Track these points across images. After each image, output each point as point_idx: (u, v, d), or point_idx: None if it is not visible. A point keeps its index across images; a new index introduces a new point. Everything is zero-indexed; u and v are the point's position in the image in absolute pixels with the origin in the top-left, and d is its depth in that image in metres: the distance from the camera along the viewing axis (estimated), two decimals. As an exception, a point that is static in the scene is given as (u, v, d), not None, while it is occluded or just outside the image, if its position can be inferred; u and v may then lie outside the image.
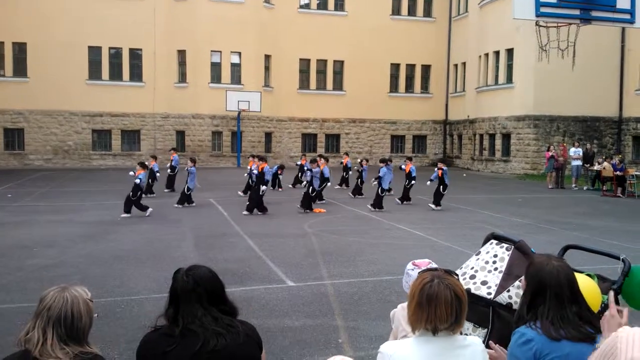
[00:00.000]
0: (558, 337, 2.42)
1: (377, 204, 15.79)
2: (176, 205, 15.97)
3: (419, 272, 2.39)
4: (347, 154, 24.28)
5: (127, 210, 14.21)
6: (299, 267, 8.94)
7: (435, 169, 17.07)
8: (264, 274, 8.53)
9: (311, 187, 15.74)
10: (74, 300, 2.25)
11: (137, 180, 14.37)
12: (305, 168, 17.94)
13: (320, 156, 19.61)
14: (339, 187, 21.32)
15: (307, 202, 15.50)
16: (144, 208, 14.41)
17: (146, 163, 15.96)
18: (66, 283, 2.39)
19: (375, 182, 16.32)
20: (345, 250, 10.33)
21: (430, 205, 16.22)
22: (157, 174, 19.09)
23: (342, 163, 22.56)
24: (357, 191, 18.97)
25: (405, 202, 17.29)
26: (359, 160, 20.86)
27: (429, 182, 16.82)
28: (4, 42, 30.88)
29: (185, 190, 16.14)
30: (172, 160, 20.43)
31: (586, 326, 2.48)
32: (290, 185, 21.67)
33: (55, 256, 9.62)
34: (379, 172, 16.46)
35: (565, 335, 2.42)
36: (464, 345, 2.30)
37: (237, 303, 2.60)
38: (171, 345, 2.37)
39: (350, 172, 21.98)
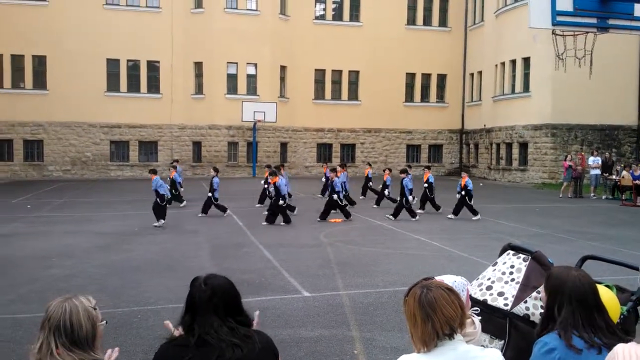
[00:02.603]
0: (594, 344, 2.39)
1: (396, 213, 15.87)
2: (200, 215, 16.23)
3: (405, 294, 2.35)
4: (369, 164, 24.20)
5: (161, 217, 14.39)
6: (314, 277, 8.92)
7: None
8: (280, 284, 8.52)
9: (334, 196, 15.80)
10: (73, 310, 2.27)
11: (154, 187, 14.58)
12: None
13: (342, 165, 19.96)
14: (362, 197, 21.37)
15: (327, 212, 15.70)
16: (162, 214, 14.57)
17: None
18: (71, 293, 2.41)
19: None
20: (361, 260, 10.29)
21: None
22: (179, 184, 19.35)
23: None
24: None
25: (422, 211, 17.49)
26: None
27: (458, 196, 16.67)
28: (23, 55, 31.40)
29: (213, 199, 16.38)
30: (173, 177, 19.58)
31: (613, 335, 2.45)
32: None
33: (72, 266, 9.70)
34: (402, 182, 16.16)
35: (600, 343, 2.39)
36: (482, 355, 2.27)
37: (251, 313, 2.59)
38: (186, 356, 2.36)
39: (372, 183, 21.78)
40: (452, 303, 2.22)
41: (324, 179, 22.77)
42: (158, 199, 14.50)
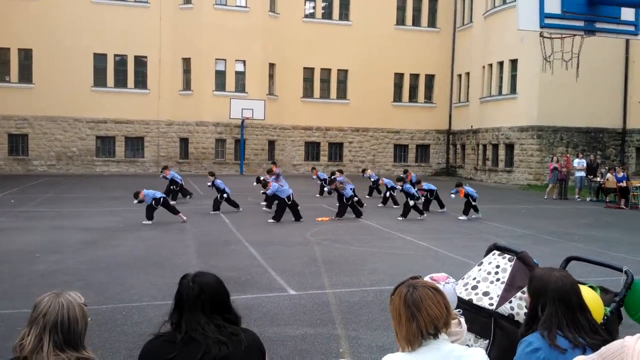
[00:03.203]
0: (577, 344, 2.41)
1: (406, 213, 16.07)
2: (236, 210, 16.59)
3: (391, 293, 2.37)
4: (364, 170, 23.90)
5: (150, 217, 14.38)
6: (300, 275, 8.93)
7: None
8: (266, 282, 8.51)
9: (344, 197, 15.98)
10: (70, 305, 2.24)
11: (150, 201, 14.44)
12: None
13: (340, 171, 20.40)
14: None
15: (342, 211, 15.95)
16: (176, 211, 14.72)
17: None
18: (58, 289, 2.39)
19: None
20: (348, 259, 10.31)
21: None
22: (180, 181, 19.38)
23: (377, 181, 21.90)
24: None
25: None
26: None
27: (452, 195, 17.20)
28: (9, 49, 31.05)
29: (223, 197, 16.58)
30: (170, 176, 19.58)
31: (596, 335, 2.48)
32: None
33: (57, 262, 9.63)
34: (404, 189, 16.53)
35: (584, 342, 2.42)
36: (466, 355, 2.29)
37: (239, 311, 2.60)
38: (173, 352, 2.36)
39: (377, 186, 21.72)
40: (438, 303, 2.24)
41: (314, 177, 22.85)
42: (154, 202, 14.43)
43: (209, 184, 17.26)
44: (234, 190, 18.83)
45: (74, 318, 2.24)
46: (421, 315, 2.20)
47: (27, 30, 30.55)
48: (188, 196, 19.74)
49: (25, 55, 31.43)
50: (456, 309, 3.04)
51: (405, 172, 21.00)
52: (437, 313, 2.22)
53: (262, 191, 17.40)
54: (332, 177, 19.68)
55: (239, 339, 2.44)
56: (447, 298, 2.72)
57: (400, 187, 16.82)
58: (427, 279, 2.98)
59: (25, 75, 31.48)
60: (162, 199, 14.66)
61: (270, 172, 19.98)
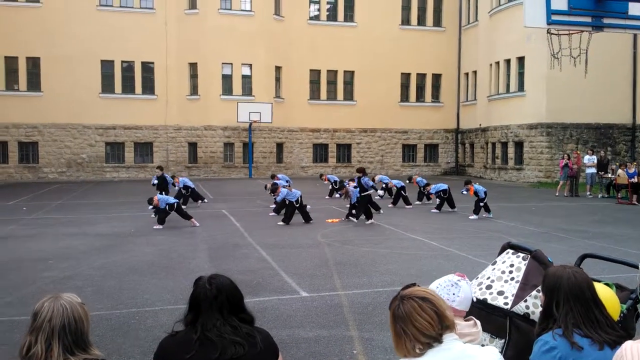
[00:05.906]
0: (595, 340, 2.39)
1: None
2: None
3: (390, 304, 2.36)
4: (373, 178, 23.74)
5: (161, 222, 14.46)
6: (312, 277, 8.92)
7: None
8: (277, 284, 8.51)
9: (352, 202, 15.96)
10: (72, 307, 2.25)
11: (164, 206, 14.53)
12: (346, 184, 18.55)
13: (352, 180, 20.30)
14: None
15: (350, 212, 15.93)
16: (188, 217, 14.79)
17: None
18: (54, 292, 2.39)
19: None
20: (359, 260, 10.29)
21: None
22: (192, 187, 19.53)
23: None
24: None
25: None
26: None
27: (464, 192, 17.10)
28: (17, 57, 31.28)
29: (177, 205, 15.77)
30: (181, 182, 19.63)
31: (613, 330, 2.46)
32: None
33: (69, 268, 9.67)
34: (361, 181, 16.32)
35: (601, 339, 2.40)
36: (479, 354, 2.27)
37: (253, 312, 2.63)
38: (189, 352, 2.39)
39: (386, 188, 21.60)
40: (424, 312, 2.20)
41: (325, 182, 22.93)
42: (167, 207, 14.50)
43: (177, 186, 18.08)
44: (242, 194, 18.95)
45: (79, 318, 2.24)
46: (409, 330, 2.20)
47: (35, 38, 30.78)
48: (200, 201, 19.75)
49: (33, 64, 31.64)
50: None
51: (410, 178, 20.99)
52: (424, 324, 2.18)
53: (273, 195, 17.39)
54: (343, 183, 19.65)
55: (255, 340, 2.48)
56: (464, 295, 2.68)
57: (358, 178, 15.79)
58: (452, 276, 2.84)
59: (34, 83, 31.70)
60: (175, 204, 14.75)
61: (274, 177, 20.21)
